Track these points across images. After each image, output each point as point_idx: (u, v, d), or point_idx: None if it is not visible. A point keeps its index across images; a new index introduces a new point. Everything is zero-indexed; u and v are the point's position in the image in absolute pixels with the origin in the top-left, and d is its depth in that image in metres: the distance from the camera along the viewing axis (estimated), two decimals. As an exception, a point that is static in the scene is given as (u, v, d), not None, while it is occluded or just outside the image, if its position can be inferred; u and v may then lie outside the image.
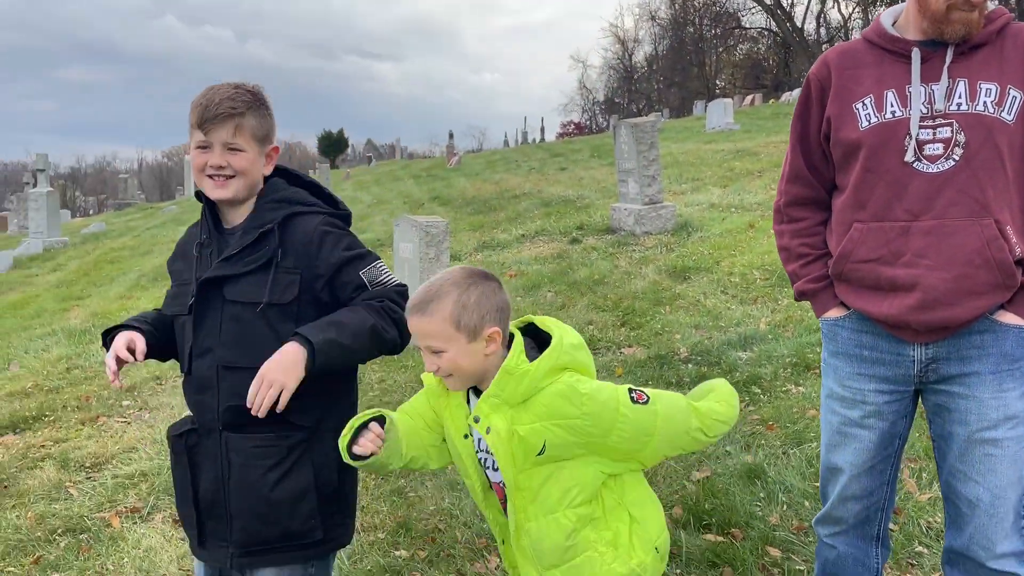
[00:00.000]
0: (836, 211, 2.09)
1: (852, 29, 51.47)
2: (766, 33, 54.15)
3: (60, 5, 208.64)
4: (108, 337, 1.94)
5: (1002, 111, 1.86)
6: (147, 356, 1.93)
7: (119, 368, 1.87)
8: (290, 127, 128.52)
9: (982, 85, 1.88)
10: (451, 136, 28.82)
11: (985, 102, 1.87)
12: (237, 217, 1.93)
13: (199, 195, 1.94)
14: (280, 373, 1.72)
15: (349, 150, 65.43)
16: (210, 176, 1.85)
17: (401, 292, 1.91)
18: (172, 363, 6.32)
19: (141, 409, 5.54)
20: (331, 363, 1.77)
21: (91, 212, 63.05)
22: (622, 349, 5.92)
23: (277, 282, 1.83)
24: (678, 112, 51.37)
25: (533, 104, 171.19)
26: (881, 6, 43.44)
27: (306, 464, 1.86)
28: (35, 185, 19.74)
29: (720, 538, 3.15)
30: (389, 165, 34.06)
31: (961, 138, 1.87)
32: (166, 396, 5.75)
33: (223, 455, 1.85)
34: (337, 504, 1.94)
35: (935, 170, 1.88)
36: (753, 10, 51.95)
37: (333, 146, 60.07)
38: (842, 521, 2.18)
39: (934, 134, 1.89)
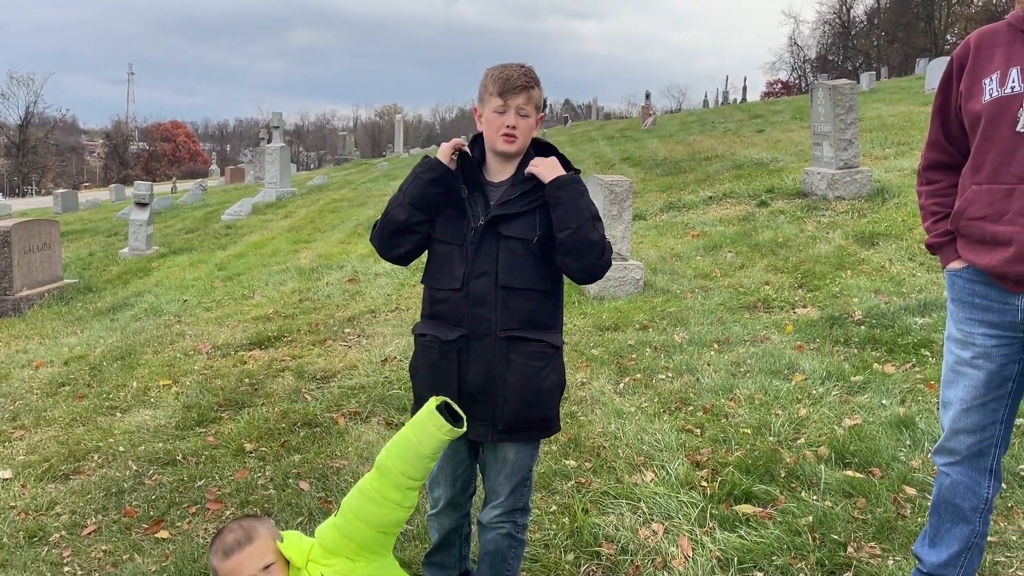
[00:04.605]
0: (961, 175, 2.34)
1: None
2: (1009, -19, 48.63)
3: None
4: (427, 160, 2.44)
5: None
6: (436, 192, 2.38)
7: (453, 151, 2.39)
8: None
9: None
10: (647, 96, 28.66)
11: None
12: (505, 171, 2.44)
13: (463, 156, 2.43)
14: (549, 165, 2.35)
15: (547, 110, 66.34)
16: (503, 135, 2.37)
17: (611, 247, 2.38)
18: (385, 300, 7.19)
19: (360, 336, 6.45)
20: (566, 198, 2.29)
21: (312, 166, 68.59)
22: (796, 309, 6.10)
23: (544, 221, 2.35)
24: (899, 71, 47.67)
25: (737, 62, 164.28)
26: None
27: (558, 368, 2.45)
28: (270, 141, 22.11)
29: (859, 474, 3.43)
30: (584, 126, 34.47)
31: None
32: (379, 327, 6.64)
33: (502, 355, 2.36)
34: (560, 403, 2.52)
35: None
36: (995, -44, 46.87)
37: (532, 106, 61.07)
38: (955, 452, 2.44)
39: None
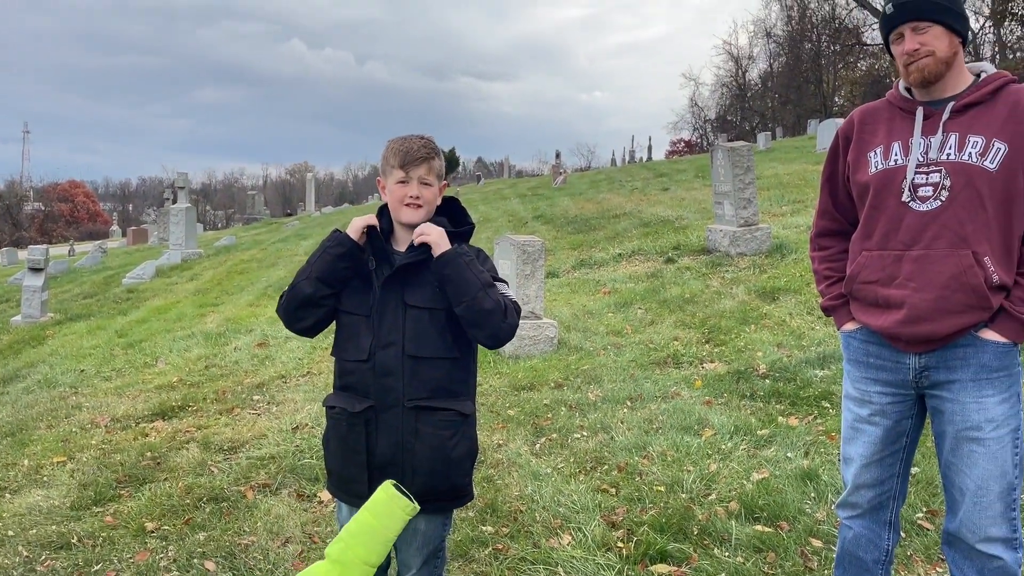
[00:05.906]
0: (852, 241, 2.50)
1: (981, 44, 49.17)
2: (887, 49, 52.22)
3: (191, 32, 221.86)
4: (336, 234, 2.42)
5: (985, 160, 2.22)
6: (347, 267, 2.37)
7: (364, 228, 2.37)
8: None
9: (971, 138, 2.25)
10: (557, 155, 29.49)
11: (971, 152, 2.24)
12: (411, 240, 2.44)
13: (370, 231, 2.41)
14: (439, 235, 2.32)
15: (460, 168, 67.03)
16: (407, 204, 2.40)
17: (518, 305, 2.40)
18: (296, 365, 7.01)
19: (269, 403, 6.27)
20: (453, 274, 2.27)
21: (220, 225, 67.01)
22: (704, 364, 6.27)
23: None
24: (792, 131, 50.33)
25: (643, 121, 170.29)
26: (1012, 23, 41.43)
27: (469, 436, 2.43)
28: (175, 201, 21.55)
29: (768, 528, 3.52)
30: (497, 184, 34.99)
31: (947, 182, 2.25)
32: (290, 392, 6.48)
33: (410, 425, 2.34)
34: (472, 471, 2.50)
35: (925, 208, 2.27)
36: (875, 25, 50.38)
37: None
38: (857, 506, 2.54)
39: (927, 178, 2.28)
